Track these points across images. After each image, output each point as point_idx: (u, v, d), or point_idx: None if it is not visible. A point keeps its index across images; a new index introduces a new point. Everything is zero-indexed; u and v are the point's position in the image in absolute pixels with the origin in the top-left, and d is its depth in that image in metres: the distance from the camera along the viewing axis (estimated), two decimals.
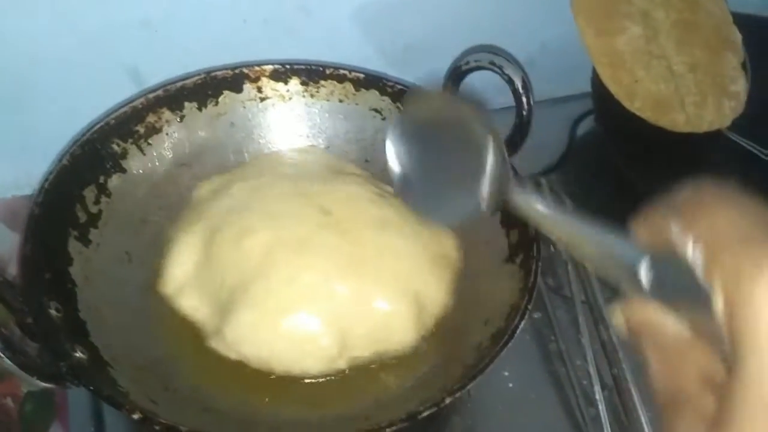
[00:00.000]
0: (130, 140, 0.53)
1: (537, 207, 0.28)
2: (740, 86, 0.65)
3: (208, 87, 0.55)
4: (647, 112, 0.62)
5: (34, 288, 0.42)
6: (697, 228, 0.21)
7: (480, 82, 0.56)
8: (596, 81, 0.64)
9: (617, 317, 0.24)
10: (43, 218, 0.45)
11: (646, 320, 0.22)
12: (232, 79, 0.56)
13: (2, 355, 0.35)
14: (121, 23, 0.56)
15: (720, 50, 0.65)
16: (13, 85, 0.56)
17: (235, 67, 0.56)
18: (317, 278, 0.46)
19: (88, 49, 0.56)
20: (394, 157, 0.37)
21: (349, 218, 0.49)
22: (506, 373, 0.52)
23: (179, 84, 0.54)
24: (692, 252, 0.20)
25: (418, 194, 0.37)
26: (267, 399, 0.44)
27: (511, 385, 0.52)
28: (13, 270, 0.52)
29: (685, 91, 0.63)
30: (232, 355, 0.45)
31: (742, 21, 0.66)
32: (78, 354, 0.40)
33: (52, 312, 0.42)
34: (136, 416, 0.36)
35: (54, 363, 0.38)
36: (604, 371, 0.50)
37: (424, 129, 0.36)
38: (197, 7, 0.57)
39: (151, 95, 0.53)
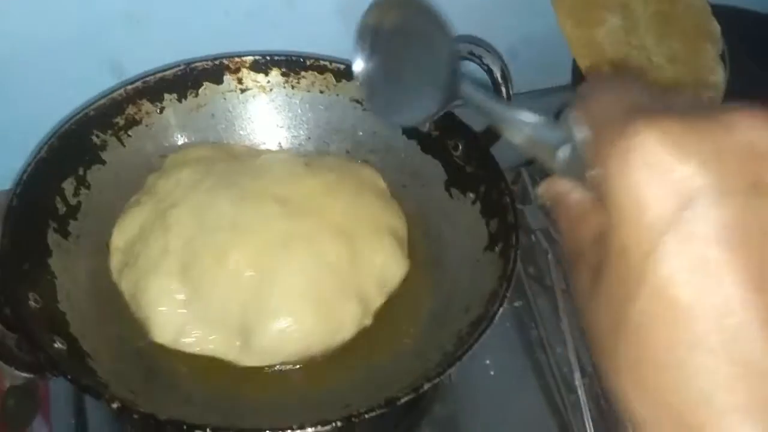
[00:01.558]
0: (110, 132, 0.53)
1: (481, 98, 0.31)
2: (719, 77, 0.66)
3: (188, 78, 0.55)
4: None
5: (12, 280, 0.42)
6: (588, 111, 0.23)
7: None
8: (576, 72, 0.64)
9: (539, 190, 0.27)
10: (21, 210, 0.45)
11: (558, 191, 0.26)
12: (212, 71, 0.56)
13: None
14: (103, 16, 0.55)
15: (699, 41, 0.66)
16: None
17: (215, 58, 0.56)
18: (314, 261, 0.46)
19: (70, 43, 0.55)
20: (360, 62, 0.38)
21: (302, 197, 0.50)
22: (488, 362, 0.53)
23: (159, 75, 0.54)
24: (582, 136, 0.23)
25: (381, 98, 0.38)
26: (246, 388, 0.44)
27: (492, 372, 0.52)
28: None
29: (664, 83, 0.63)
30: (267, 363, 0.45)
31: (721, 12, 0.67)
32: (57, 345, 0.40)
33: (31, 303, 0.41)
34: (115, 405, 0.36)
35: (32, 353, 0.38)
36: (584, 358, 0.51)
37: (388, 32, 0.37)
38: (179, 0, 0.57)
39: (130, 87, 0.53)
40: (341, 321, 0.46)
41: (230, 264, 0.46)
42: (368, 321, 0.47)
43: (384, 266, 0.49)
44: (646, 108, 0.22)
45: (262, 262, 0.46)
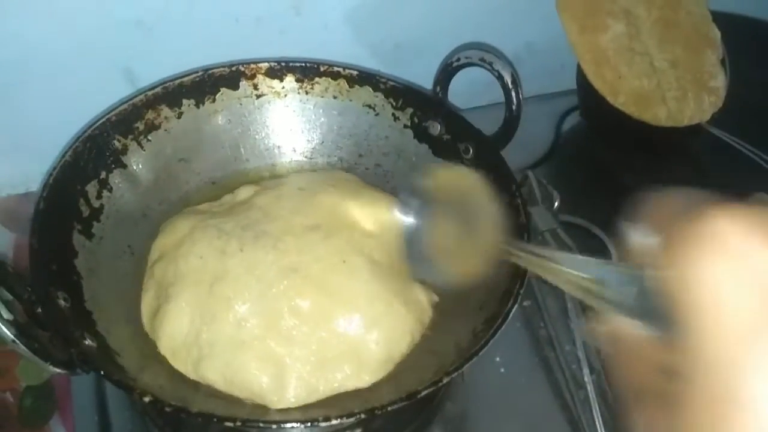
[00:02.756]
0: (131, 136, 0.54)
1: (533, 256, 0.30)
2: (719, 82, 0.67)
3: (206, 84, 0.56)
4: (630, 107, 0.64)
5: (42, 279, 0.43)
6: (653, 218, 0.21)
7: (468, 78, 0.57)
8: (581, 77, 0.66)
9: (588, 329, 0.26)
10: (48, 212, 0.46)
11: (615, 329, 0.23)
12: (228, 77, 0.57)
13: (18, 342, 0.36)
14: (115, 23, 0.57)
15: (700, 47, 0.67)
16: (8, 85, 0.57)
17: (232, 65, 0.57)
18: (331, 315, 0.47)
19: (83, 49, 0.57)
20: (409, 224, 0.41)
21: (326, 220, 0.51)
22: (498, 359, 0.54)
23: (177, 81, 0.55)
24: (652, 242, 0.21)
25: (418, 256, 0.40)
26: None
27: (502, 370, 0.54)
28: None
29: (667, 87, 0.65)
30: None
31: (721, 19, 0.69)
32: (87, 341, 0.41)
33: (61, 302, 0.43)
34: (147, 399, 0.37)
35: (65, 350, 0.39)
36: (592, 356, 0.52)
37: (436, 198, 0.39)
38: (190, 7, 0.58)
39: (150, 92, 0.54)
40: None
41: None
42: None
43: None
44: (721, 200, 0.19)
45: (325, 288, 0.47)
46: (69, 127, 0.53)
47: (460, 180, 0.38)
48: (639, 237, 0.22)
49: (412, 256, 0.40)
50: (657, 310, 0.20)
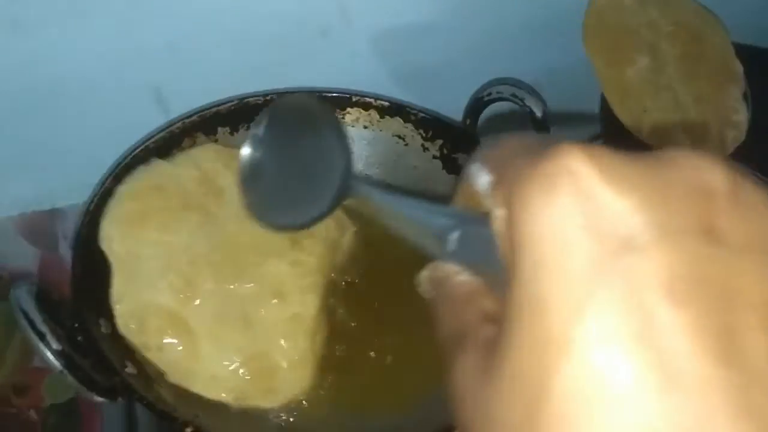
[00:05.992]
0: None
1: (374, 194, 0.28)
2: (742, 116, 0.68)
3: (241, 112, 0.57)
4: (654, 140, 0.65)
5: (84, 306, 0.44)
6: (488, 161, 0.20)
7: (498, 107, 0.58)
8: (605, 108, 0.67)
9: (422, 281, 0.24)
10: (88, 240, 0.47)
11: (442, 277, 0.22)
12: (263, 105, 0.58)
13: (67, 373, 0.37)
14: (145, 46, 0.58)
15: (723, 82, 0.68)
16: (37, 103, 0.57)
17: (266, 94, 0.58)
18: None
19: (113, 71, 0.58)
20: (247, 167, 0.35)
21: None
22: None
23: (213, 110, 0.56)
24: (483, 184, 0.20)
25: (266, 200, 0.35)
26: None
27: None
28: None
29: (690, 122, 0.66)
30: None
31: (743, 51, 0.69)
32: (129, 369, 0.42)
33: (102, 329, 0.44)
34: (189, 430, 0.38)
35: (108, 378, 0.40)
36: None
37: (280, 135, 0.35)
38: (220, 31, 0.59)
39: (187, 120, 0.55)
40: None
41: None
42: None
43: None
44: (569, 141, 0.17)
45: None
46: (96, 145, 0.54)
47: (306, 110, 0.34)
48: (474, 177, 0.20)
49: (254, 198, 0.35)
50: (482, 252, 0.20)
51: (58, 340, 0.39)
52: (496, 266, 0.19)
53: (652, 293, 0.15)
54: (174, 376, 0.46)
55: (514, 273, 0.17)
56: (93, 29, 0.55)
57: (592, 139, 0.77)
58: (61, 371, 0.37)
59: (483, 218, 0.20)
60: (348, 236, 0.56)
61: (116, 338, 0.44)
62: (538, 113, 0.53)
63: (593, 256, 0.15)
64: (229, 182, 0.54)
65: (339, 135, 0.31)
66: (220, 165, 0.55)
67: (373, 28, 0.65)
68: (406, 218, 0.24)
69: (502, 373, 0.17)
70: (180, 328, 0.47)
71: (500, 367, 0.17)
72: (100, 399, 0.39)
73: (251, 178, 0.34)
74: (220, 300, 0.48)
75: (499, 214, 0.18)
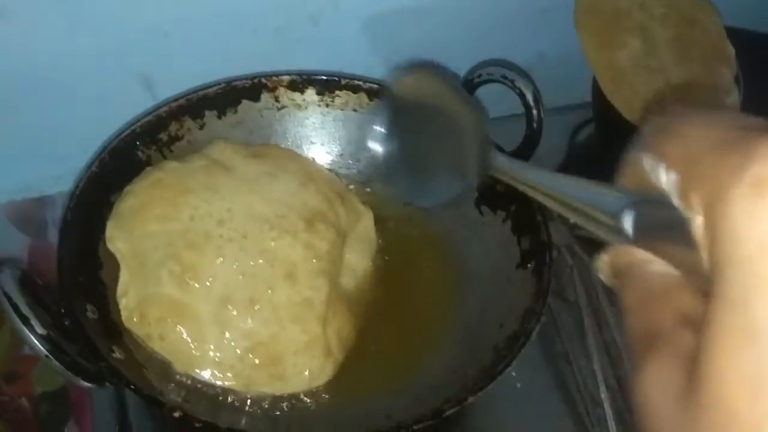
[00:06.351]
0: (154, 147, 0.54)
1: (519, 169, 0.28)
2: (734, 99, 0.68)
3: (228, 96, 0.57)
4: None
5: (71, 291, 0.44)
6: (669, 153, 0.18)
7: (487, 91, 0.58)
8: (597, 92, 0.66)
9: (602, 266, 0.22)
10: (75, 223, 0.47)
11: (629, 264, 0.20)
12: (250, 89, 0.58)
13: (51, 357, 0.37)
14: (134, 33, 0.57)
15: (715, 65, 0.68)
16: (27, 90, 0.57)
17: (254, 77, 0.58)
18: None
19: (102, 57, 0.57)
20: (377, 143, 0.37)
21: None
22: (514, 374, 0.55)
23: (201, 93, 0.56)
24: (667, 181, 0.18)
25: (404, 180, 0.37)
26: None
27: (519, 385, 0.54)
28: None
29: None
30: None
31: (735, 35, 0.69)
32: (116, 354, 0.42)
33: (89, 314, 0.43)
34: (177, 414, 0.38)
35: (94, 363, 0.40)
36: (607, 373, 0.53)
37: (407, 112, 0.35)
38: (209, 17, 0.58)
39: (174, 104, 0.55)
40: None
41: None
42: None
43: None
44: (757, 130, 0.16)
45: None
46: (86, 132, 0.54)
47: (435, 88, 0.34)
48: (652, 170, 0.19)
49: (393, 178, 0.37)
50: (670, 237, 0.18)
51: (44, 325, 0.38)
52: (691, 255, 0.17)
53: None
54: (180, 366, 0.45)
55: (721, 290, 0.15)
56: (81, 16, 0.55)
57: (583, 124, 0.77)
58: (46, 356, 0.37)
59: (663, 200, 0.18)
60: (365, 221, 0.56)
61: (103, 324, 0.44)
62: (528, 95, 0.52)
63: None
64: (237, 161, 0.53)
65: (469, 107, 0.31)
66: (230, 150, 0.55)
67: (363, 12, 0.64)
68: (567, 197, 0.23)
69: (706, 402, 0.15)
70: (182, 315, 0.46)
71: (703, 394, 0.15)
72: (86, 384, 0.39)
73: (390, 170, 0.35)
74: (225, 281, 0.47)
75: (698, 221, 0.17)
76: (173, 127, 0.55)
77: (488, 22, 0.70)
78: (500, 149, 0.30)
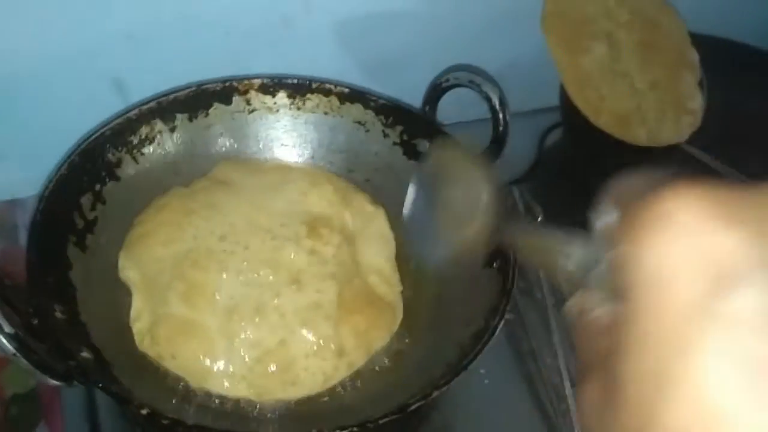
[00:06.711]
0: (124, 149, 0.55)
1: (532, 234, 0.31)
2: (697, 103, 0.70)
3: (199, 99, 0.58)
4: (612, 127, 0.66)
5: (39, 292, 0.44)
6: (616, 195, 0.22)
7: (456, 94, 0.59)
8: (564, 96, 0.68)
9: (568, 306, 0.24)
10: (44, 225, 0.47)
11: (585, 305, 0.23)
12: (221, 92, 0.58)
13: (19, 356, 0.37)
14: (105, 36, 0.57)
15: (679, 69, 0.70)
16: None
17: (225, 81, 0.58)
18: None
19: (72, 61, 0.57)
20: (410, 204, 0.41)
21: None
22: (482, 371, 0.56)
23: (172, 96, 0.56)
24: (611, 220, 0.21)
25: (423, 239, 0.40)
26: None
27: (486, 381, 0.55)
28: None
29: (647, 108, 0.67)
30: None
31: (699, 41, 0.71)
32: (84, 354, 0.42)
33: (57, 315, 0.44)
34: (144, 411, 0.38)
35: (62, 362, 0.40)
36: (573, 369, 0.54)
37: (437, 180, 0.39)
38: (180, 20, 0.59)
39: (144, 107, 0.55)
40: None
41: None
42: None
43: None
44: (679, 180, 0.18)
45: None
46: (57, 136, 0.54)
47: (461, 160, 0.39)
48: (602, 216, 0.22)
49: (415, 234, 0.41)
50: (613, 284, 0.21)
51: (13, 324, 0.39)
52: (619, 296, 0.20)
53: (757, 331, 0.15)
54: (194, 381, 0.46)
55: (626, 309, 0.18)
56: (51, 20, 0.55)
57: (552, 128, 0.78)
58: (14, 354, 0.37)
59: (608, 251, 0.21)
60: (378, 221, 0.57)
61: (71, 324, 0.44)
62: (494, 99, 0.53)
63: (698, 294, 0.16)
64: (238, 178, 0.55)
65: (489, 185, 0.34)
66: (230, 168, 0.56)
67: (335, 16, 0.65)
68: (555, 250, 0.25)
69: (617, 404, 0.18)
70: (191, 331, 0.47)
71: (615, 398, 0.18)
72: (54, 383, 0.39)
73: (414, 229, 0.39)
74: (230, 294, 0.48)
75: (615, 251, 0.19)
76: (144, 130, 0.56)
77: (459, 27, 0.71)
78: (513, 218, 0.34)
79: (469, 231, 0.35)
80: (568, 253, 0.24)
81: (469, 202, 0.36)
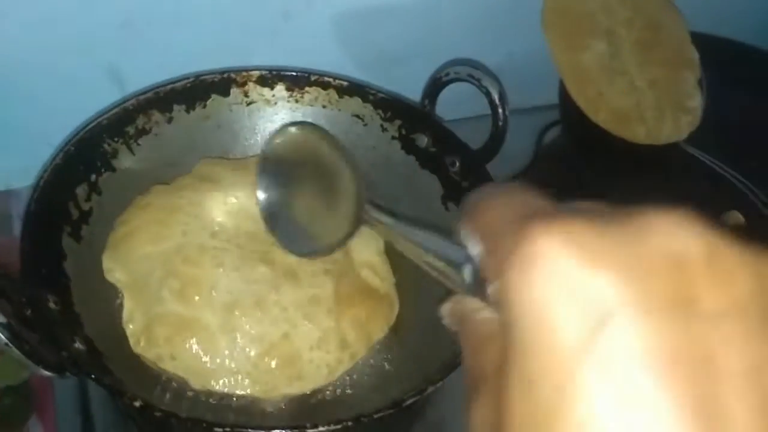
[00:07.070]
0: (121, 140, 0.54)
1: (386, 220, 0.30)
2: (696, 102, 0.69)
3: (197, 90, 0.57)
4: (611, 124, 0.66)
5: (33, 282, 0.43)
6: (476, 228, 0.21)
7: (456, 90, 0.59)
8: (563, 93, 0.68)
9: (444, 314, 0.24)
10: (39, 214, 0.47)
11: (464, 310, 0.22)
12: (220, 83, 0.58)
13: (11, 346, 0.37)
14: (102, 25, 0.57)
15: (679, 68, 0.69)
16: None
17: (223, 72, 0.58)
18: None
19: (68, 50, 0.57)
20: (263, 194, 0.39)
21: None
22: None
23: (169, 87, 0.56)
24: (475, 251, 0.21)
25: (285, 228, 0.39)
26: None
27: None
28: None
29: (646, 106, 0.67)
30: None
31: (699, 40, 0.71)
32: (77, 345, 0.42)
33: (51, 305, 0.43)
34: (137, 404, 0.38)
35: (55, 353, 0.40)
36: None
37: (289, 165, 0.38)
38: (179, 10, 0.59)
39: (141, 97, 0.55)
40: None
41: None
42: None
43: None
44: (546, 211, 0.19)
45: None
46: (52, 126, 0.54)
47: (316, 143, 0.38)
48: (467, 242, 0.21)
49: (277, 228, 0.40)
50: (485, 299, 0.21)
51: (5, 314, 0.38)
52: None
53: (632, 368, 0.16)
54: (196, 381, 0.45)
55: (506, 345, 0.18)
56: (49, 8, 0.54)
57: (551, 125, 0.78)
58: (6, 344, 0.37)
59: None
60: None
61: (65, 315, 0.44)
62: (494, 94, 0.53)
63: (573, 335, 0.16)
64: (223, 175, 0.54)
65: (347, 163, 0.33)
66: (214, 165, 0.55)
67: (334, 9, 0.65)
68: (422, 247, 0.25)
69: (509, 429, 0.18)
70: (190, 329, 0.46)
71: (505, 422, 0.18)
72: (46, 373, 0.39)
73: (272, 216, 0.38)
74: (228, 289, 0.47)
75: (492, 287, 0.19)
76: (140, 121, 0.55)
77: (458, 22, 0.70)
78: (375, 204, 0.32)
79: (335, 219, 0.35)
80: (437, 254, 0.24)
81: (330, 186, 0.35)
